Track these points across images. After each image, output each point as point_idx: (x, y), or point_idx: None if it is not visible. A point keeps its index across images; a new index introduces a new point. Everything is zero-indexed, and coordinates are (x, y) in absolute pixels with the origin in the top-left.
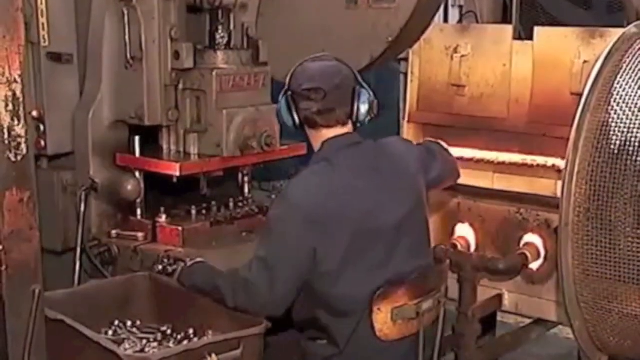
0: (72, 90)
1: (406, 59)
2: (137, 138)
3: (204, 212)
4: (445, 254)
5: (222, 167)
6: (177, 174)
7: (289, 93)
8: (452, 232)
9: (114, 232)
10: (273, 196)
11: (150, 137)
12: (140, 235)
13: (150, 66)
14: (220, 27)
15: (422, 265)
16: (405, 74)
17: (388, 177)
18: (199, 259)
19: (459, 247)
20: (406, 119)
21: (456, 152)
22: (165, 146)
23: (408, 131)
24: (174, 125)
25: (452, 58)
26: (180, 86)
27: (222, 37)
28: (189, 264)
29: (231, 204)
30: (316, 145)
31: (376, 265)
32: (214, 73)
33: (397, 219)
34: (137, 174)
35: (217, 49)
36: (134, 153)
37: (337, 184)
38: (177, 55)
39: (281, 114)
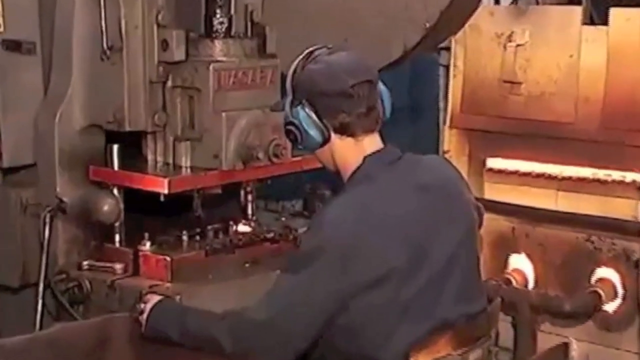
0: (35, 87)
1: (448, 49)
2: (115, 147)
3: (197, 238)
4: (496, 291)
5: (221, 182)
6: (165, 191)
7: (305, 99)
8: (505, 264)
9: (85, 263)
10: (283, 218)
11: (132, 145)
12: (118, 267)
13: (132, 58)
14: (218, 11)
15: (473, 312)
16: (447, 67)
17: (438, 197)
18: (160, 297)
19: (514, 282)
20: (447, 123)
21: (510, 165)
22: (150, 157)
23: (449, 139)
24: (162, 132)
25: (505, 48)
26: (169, 83)
27: (221, 23)
28: (150, 302)
29: (231, 229)
30: (352, 161)
31: (420, 314)
32: (210, 67)
33: (449, 251)
34: (115, 191)
35: (215, 38)
36: (111, 165)
37: (383, 210)
38: (165, 44)
39: (302, 128)
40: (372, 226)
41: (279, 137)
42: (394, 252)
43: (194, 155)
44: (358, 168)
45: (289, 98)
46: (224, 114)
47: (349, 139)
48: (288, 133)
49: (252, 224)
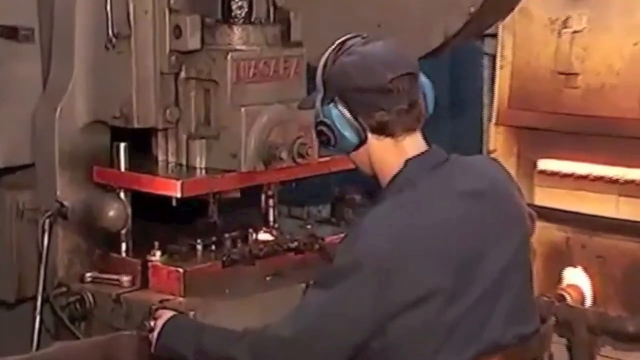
0: (33, 78)
1: (494, 36)
2: (122, 145)
3: (213, 247)
4: (549, 310)
5: (240, 186)
6: (178, 195)
7: (337, 96)
8: (559, 279)
9: (88, 274)
10: (308, 226)
11: (141, 144)
12: (125, 279)
13: (141, 47)
14: None
15: (526, 334)
16: (493, 57)
17: (489, 205)
18: (173, 313)
19: (569, 299)
20: (493, 120)
21: (564, 167)
22: (161, 157)
23: (495, 138)
24: (174, 129)
25: (559, 35)
26: (183, 74)
27: (240, 8)
28: (161, 318)
29: (251, 237)
30: (391, 165)
31: (467, 337)
32: (229, 56)
33: (501, 266)
34: (121, 194)
35: (233, 24)
36: (117, 166)
37: (427, 222)
38: (177, 31)
39: (335, 128)
40: (415, 239)
41: (304, 135)
42: (439, 268)
43: (210, 155)
44: (399, 173)
45: (320, 95)
46: (243, 109)
47: (388, 140)
48: (319, 134)
49: (274, 231)
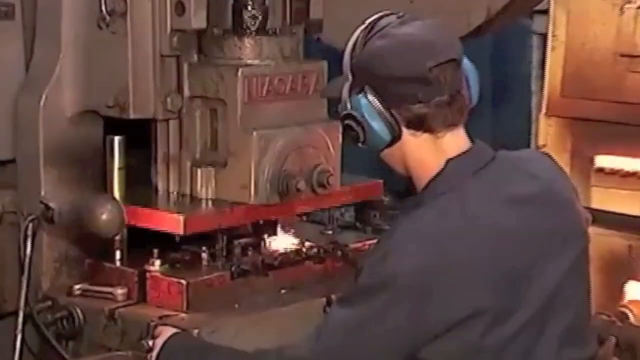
0: (13, 61)
1: (545, 12)
2: (116, 139)
3: (221, 256)
4: (608, 329)
5: (250, 221)
6: (180, 232)
7: (368, 85)
8: (620, 294)
9: (77, 287)
10: (330, 232)
11: (139, 137)
12: (120, 292)
13: (138, 25)
14: (250, 1)
15: (583, 358)
16: (544, 37)
17: (543, 211)
18: (174, 330)
19: (632, 318)
20: (543, 110)
21: (625, 164)
22: (161, 186)
23: (545, 131)
24: (177, 156)
25: (621, 11)
26: (186, 91)
27: (254, 17)
28: (162, 336)
29: (264, 244)
30: (429, 165)
31: None
32: (239, 72)
33: (555, 281)
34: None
35: (245, 35)
36: (111, 165)
37: (470, 232)
38: (180, 8)
39: (365, 122)
40: (456, 252)
41: (325, 161)
42: (484, 286)
43: (217, 185)
44: (438, 174)
45: (347, 82)
46: (255, 133)
47: (426, 136)
48: (346, 128)
49: (291, 238)
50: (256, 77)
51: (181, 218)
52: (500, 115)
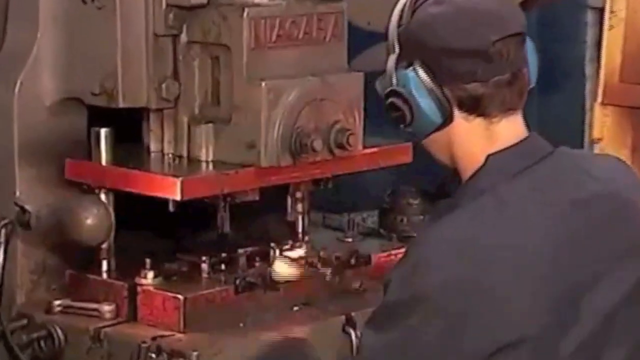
0: None
1: None
2: (103, 132)
3: (223, 266)
4: None
5: (258, 185)
6: (177, 197)
7: (418, 59)
8: None
9: (57, 302)
10: (349, 239)
11: (128, 130)
12: (106, 309)
13: (128, 1)
14: None
15: None
16: (601, 13)
17: (607, 217)
18: None
19: None
20: (599, 98)
21: None
22: (154, 146)
23: (602, 121)
24: (172, 110)
25: None
26: (183, 37)
27: None
28: None
29: (274, 254)
30: (478, 155)
31: None
32: (245, 13)
33: (613, 302)
34: (102, 196)
35: None
36: (97, 159)
37: (519, 239)
38: None
39: (414, 101)
40: (498, 266)
41: (345, 117)
42: (527, 309)
43: (219, 145)
44: (479, 170)
45: (394, 55)
46: (263, 84)
47: (479, 121)
48: (390, 107)
49: (305, 246)
50: (265, 18)
51: (178, 181)
52: (548, 104)
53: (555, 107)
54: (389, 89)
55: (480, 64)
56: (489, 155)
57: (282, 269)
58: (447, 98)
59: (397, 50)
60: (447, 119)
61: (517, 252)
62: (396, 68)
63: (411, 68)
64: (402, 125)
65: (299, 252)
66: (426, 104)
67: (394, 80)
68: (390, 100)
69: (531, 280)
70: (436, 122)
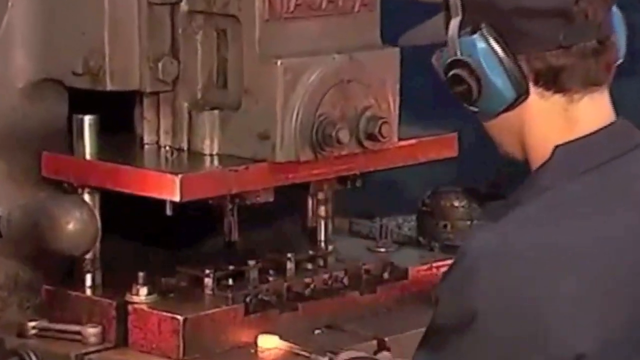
0: None
1: None
2: (87, 120)
3: (231, 281)
4: None
5: (273, 185)
6: (176, 198)
7: (486, 22)
8: None
9: (32, 324)
10: (382, 249)
11: (117, 117)
12: (91, 332)
13: None
14: None
15: None
16: None
17: None
18: None
19: None
20: None
21: None
22: (148, 137)
23: None
24: (170, 94)
25: None
26: (184, 6)
27: None
28: None
29: (291, 266)
30: (553, 140)
31: None
32: None
33: None
34: (86, 197)
35: None
36: (80, 153)
37: (593, 243)
38: None
39: (483, 74)
40: (560, 279)
41: (377, 102)
42: (603, 317)
43: (226, 136)
44: (546, 161)
45: (456, 19)
46: (279, 63)
47: (557, 98)
48: (454, 81)
49: (328, 258)
50: None
51: (176, 179)
52: (622, 89)
53: (630, 93)
54: (451, 59)
55: (562, 26)
56: (556, 147)
57: None
58: (521, 69)
59: (459, 13)
60: (522, 95)
61: (585, 264)
62: (459, 35)
63: (478, 34)
64: (465, 104)
65: (321, 265)
66: (497, 77)
67: (458, 50)
68: (453, 72)
69: (605, 290)
70: (508, 98)
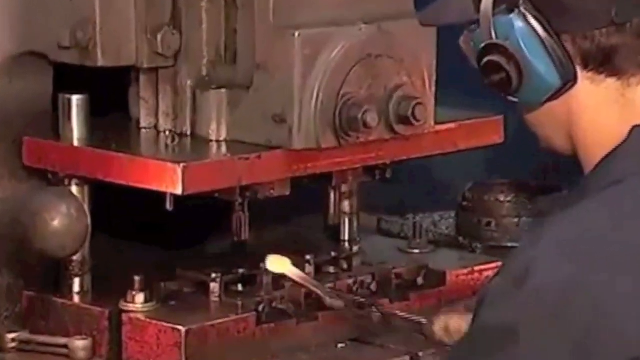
0: None
1: None
2: (75, 100)
3: (241, 287)
4: None
5: (289, 175)
6: (178, 190)
7: (524, 1)
8: None
9: (12, 336)
10: (416, 250)
11: (109, 97)
12: (80, 344)
13: None
14: None
15: None
16: None
17: None
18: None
19: None
20: None
21: None
22: (145, 121)
23: None
24: (171, 70)
25: None
26: None
27: None
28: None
29: (309, 269)
30: (607, 132)
31: None
32: None
33: None
34: (74, 188)
35: None
36: (67, 138)
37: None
38: None
39: (523, 58)
40: (625, 287)
41: (409, 81)
42: None
43: (235, 119)
44: (615, 149)
45: None
46: (297, 35)
47: (610, 82)
48: (488, 68)
49: (353, 260)
50: None
51: (178, 169)
52: None
53: None
54: (485, 43)
55: (612, 2)
56: (634, 127)
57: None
58: (566, 52)
59: None
60: (569, 81)
61: None
62: (494, 13)
63: (515, 12)
64: (503, 94)
65: (345, 268)
66: (539, 61)
67: (493, 32)
68: (488, 58)
69: None
70: (553, 85)
